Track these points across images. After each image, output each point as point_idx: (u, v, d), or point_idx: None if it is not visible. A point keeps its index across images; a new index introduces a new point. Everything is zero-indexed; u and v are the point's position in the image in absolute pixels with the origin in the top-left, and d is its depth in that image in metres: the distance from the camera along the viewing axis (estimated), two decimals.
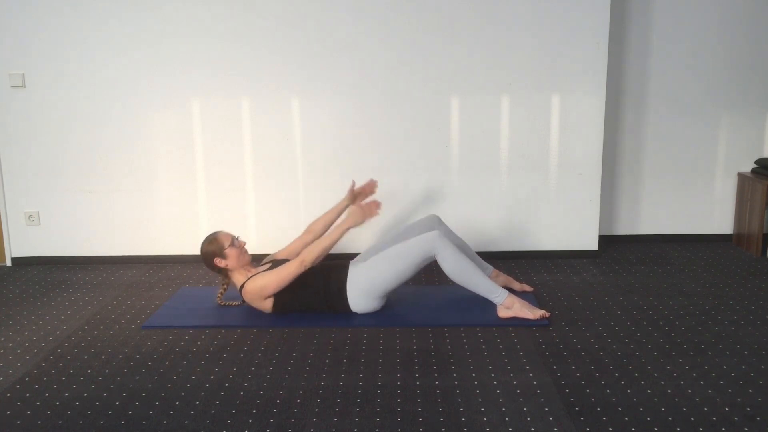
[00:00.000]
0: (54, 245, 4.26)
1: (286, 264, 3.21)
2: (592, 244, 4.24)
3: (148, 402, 2.49)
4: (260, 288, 3.20)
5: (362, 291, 3.22)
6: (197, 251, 4.22)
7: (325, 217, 3.59)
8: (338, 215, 3.55)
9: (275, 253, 3.56)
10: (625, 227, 4.59)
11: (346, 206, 3.51)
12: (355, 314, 3.27)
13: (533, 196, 4.18)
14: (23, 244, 4.27)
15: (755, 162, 4.42)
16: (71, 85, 4.04)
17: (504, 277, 3.59)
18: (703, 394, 2.47)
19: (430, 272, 3.85)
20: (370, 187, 3.64)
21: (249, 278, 3.25)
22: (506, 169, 4.15)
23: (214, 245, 3.28)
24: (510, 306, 3.18)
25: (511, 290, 3.40)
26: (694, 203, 4.54)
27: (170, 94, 4.05)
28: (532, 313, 3.16)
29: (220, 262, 3.27)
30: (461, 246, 3.49)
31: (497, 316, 3.19)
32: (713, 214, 4.56)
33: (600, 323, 3.17)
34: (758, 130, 4.46)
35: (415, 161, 4.14)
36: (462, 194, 4.17)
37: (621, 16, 4.26)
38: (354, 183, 3.60)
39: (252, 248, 4.20)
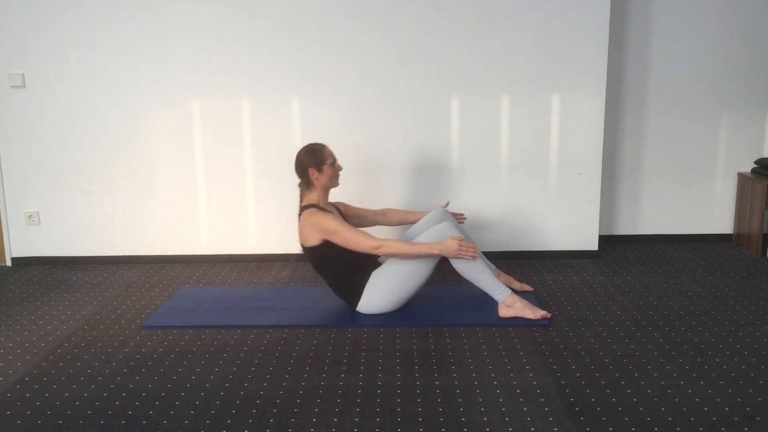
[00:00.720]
0: (54, 245, 4.26)
1: (366, 235, 3.14)
2: (592, 244, 4.24)
3: (148, 402, 2.49)
4: (331, 230, 3.12)
5: (379, 290, 3.20)
6: (197, 251, 4.27)
7: (404, 213, 3.61)
8: (416, 219, 3.53)
9: (352, 206, 3.56)
10: (625, 227, 4.59)
11: (425, 217, 3.49)
12: (356, 314, 3.26)
13: (533, 196, 4.18)
14: (23, 244, 4.27)
15: (755, 162, 4.42)
16: (71, 85, 4.04)
17: (504, 277, 3.59)
18: (703, 394, 2.47)
19: None
20: (459, 218, 3.60)
21: (328, 211, 3.19)
22: (506, 169, 4.15)
23: (318, 156, 3.22)
24: (511, 304, 3.18)
25: (511, 290, 3.40)
26: (694, 203, 4.54)
27: (170, 94, 4.05)
28: (533, 313, 3.16)
29: (313, 174, 3.21)
30: (468, 240, 3.47)
31: (498, 314, 3.19)
32: (713, 214, 4.56)
33: (600, 323, 3.17)
34: (758, 130, 4.46)
35: (415, 161, 4.14)
36: (462, 194, 4.17)
37: (621, 16, 4.26)
38: (448, 203, 3.60)
39: (251, 248, 4.25)
